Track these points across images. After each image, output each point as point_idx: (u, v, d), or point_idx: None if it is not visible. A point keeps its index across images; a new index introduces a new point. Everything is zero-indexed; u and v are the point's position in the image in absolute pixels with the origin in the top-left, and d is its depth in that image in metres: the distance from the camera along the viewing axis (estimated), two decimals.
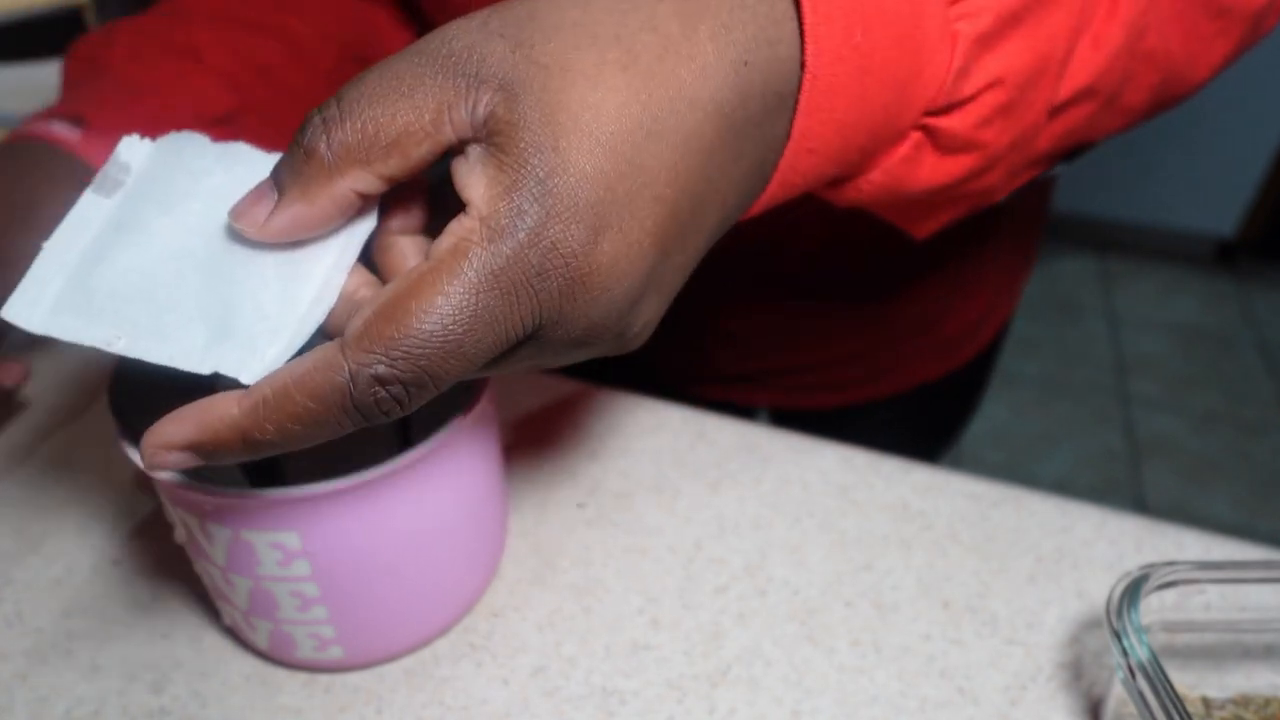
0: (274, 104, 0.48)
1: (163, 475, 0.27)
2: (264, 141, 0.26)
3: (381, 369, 0.20)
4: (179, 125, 0.34)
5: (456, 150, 0.21)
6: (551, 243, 0.20)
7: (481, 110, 0.20)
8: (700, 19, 0.22)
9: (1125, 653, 0.27)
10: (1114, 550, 0.38)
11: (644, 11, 0.22)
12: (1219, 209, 2.24)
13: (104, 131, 0.40)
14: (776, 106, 0.24)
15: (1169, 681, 0.26)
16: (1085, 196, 2.34)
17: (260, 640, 0.33)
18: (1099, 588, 0.37)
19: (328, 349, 0.21)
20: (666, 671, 0.34)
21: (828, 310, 0.55)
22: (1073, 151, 0.35)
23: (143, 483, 0.42)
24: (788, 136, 0.25)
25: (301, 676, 0.34)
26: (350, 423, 0.21)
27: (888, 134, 0.27)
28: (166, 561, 0.38)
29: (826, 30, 0.23)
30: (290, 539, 0.28)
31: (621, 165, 0.21)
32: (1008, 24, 0.27)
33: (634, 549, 0.38)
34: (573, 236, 0.20)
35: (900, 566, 0.38)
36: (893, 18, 0.24)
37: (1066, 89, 0.30)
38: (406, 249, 0.25)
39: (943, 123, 0.28)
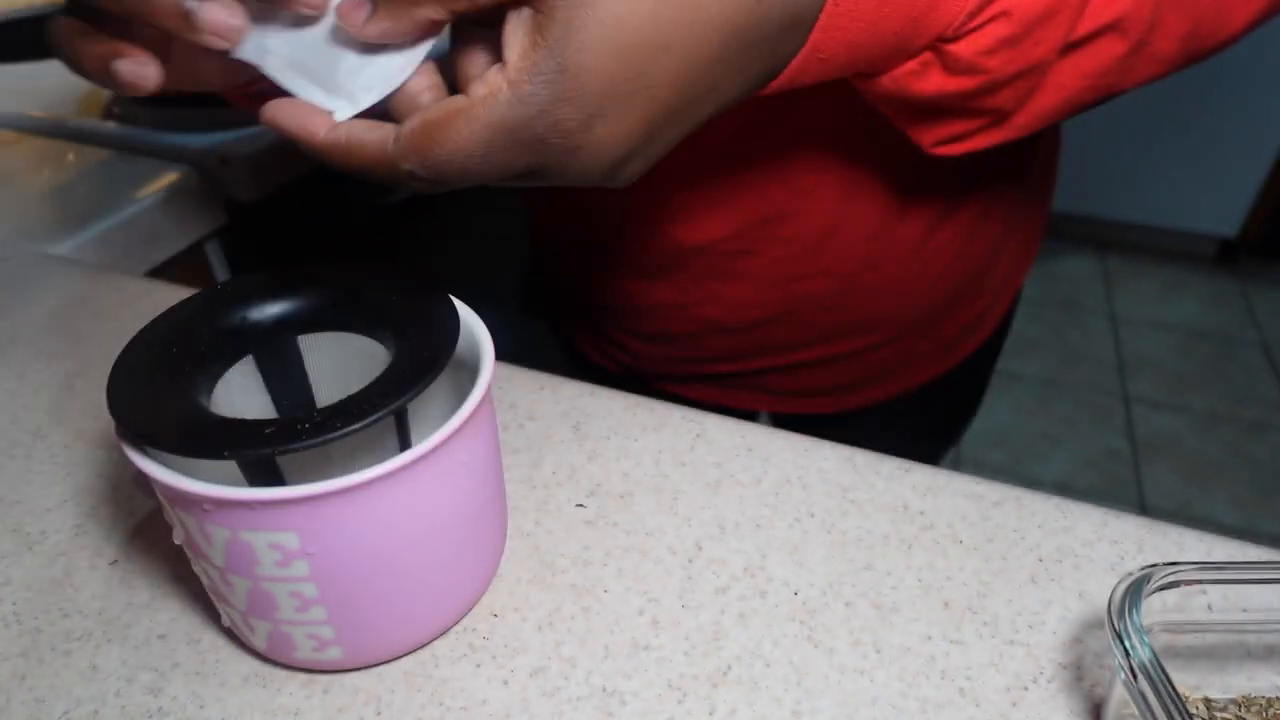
0: None
1: (158, 474, 0.27)
2: None
3: (412, 168, 0.26)
4: None
5: (514, 4, 0.25)
6: (555, 119, 0.25)
7: None
8: (738, 30, 0.26)
9: (1127, 653, 0.27)
10: (1115, 551, 0.38)
11: None
12: (1221, 208, 2.24)
13: None
14: (791, 26, 0.27)
15: (1171, 682, 0.26)
16: (1085, 196, 2.34)
17: (259, 641, 0.33)
18: (1100, 588, 0.37)
19: (387, 131, 0.27)
20: (666, 672, 0.34)
21: (828, 305, 0.55)
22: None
23: (141, 483, 0.42)
24: (800, 48, 0.28)
25: (300, 677, 0.34)
26: (389, 184, 0.28)
27: (897, 55, 0.31)
28: (165, 562, 0.38)
29: None
30: (289, 539, 0.28)
31: (629, 71, 0.25)
32: None
33: (634, 549, 0.38)
34: (573, 118, 0.25)
35: (901, 567, 0.38)
36: None
37: (1086, 26, 0.31)
38: (476, 58, 0.28)
39: (950, 47, 0.31)
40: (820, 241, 0.51)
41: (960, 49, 0.31)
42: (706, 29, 0.25)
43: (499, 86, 0.25)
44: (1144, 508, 1.65)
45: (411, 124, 0.26)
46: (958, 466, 1.74)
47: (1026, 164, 0.56)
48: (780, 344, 0.58)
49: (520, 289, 0.80)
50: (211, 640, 0.35)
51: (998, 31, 0.30)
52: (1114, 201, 2.32)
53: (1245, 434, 1.81)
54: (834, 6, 0.27)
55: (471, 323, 0.34)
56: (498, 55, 0.26)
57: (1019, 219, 0.59)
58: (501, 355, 0.34)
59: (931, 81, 0.32)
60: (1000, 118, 0.35)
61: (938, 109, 0.34)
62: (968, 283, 0.57)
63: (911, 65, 0.31)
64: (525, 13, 0.25)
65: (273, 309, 0.34)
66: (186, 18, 0.25)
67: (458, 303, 0.33)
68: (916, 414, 0.68)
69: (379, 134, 0.27)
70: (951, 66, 0.31)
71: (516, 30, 0.25)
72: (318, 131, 0.28)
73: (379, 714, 0.32)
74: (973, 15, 0.30)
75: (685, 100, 0.27)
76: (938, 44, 0.31)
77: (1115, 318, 2.15)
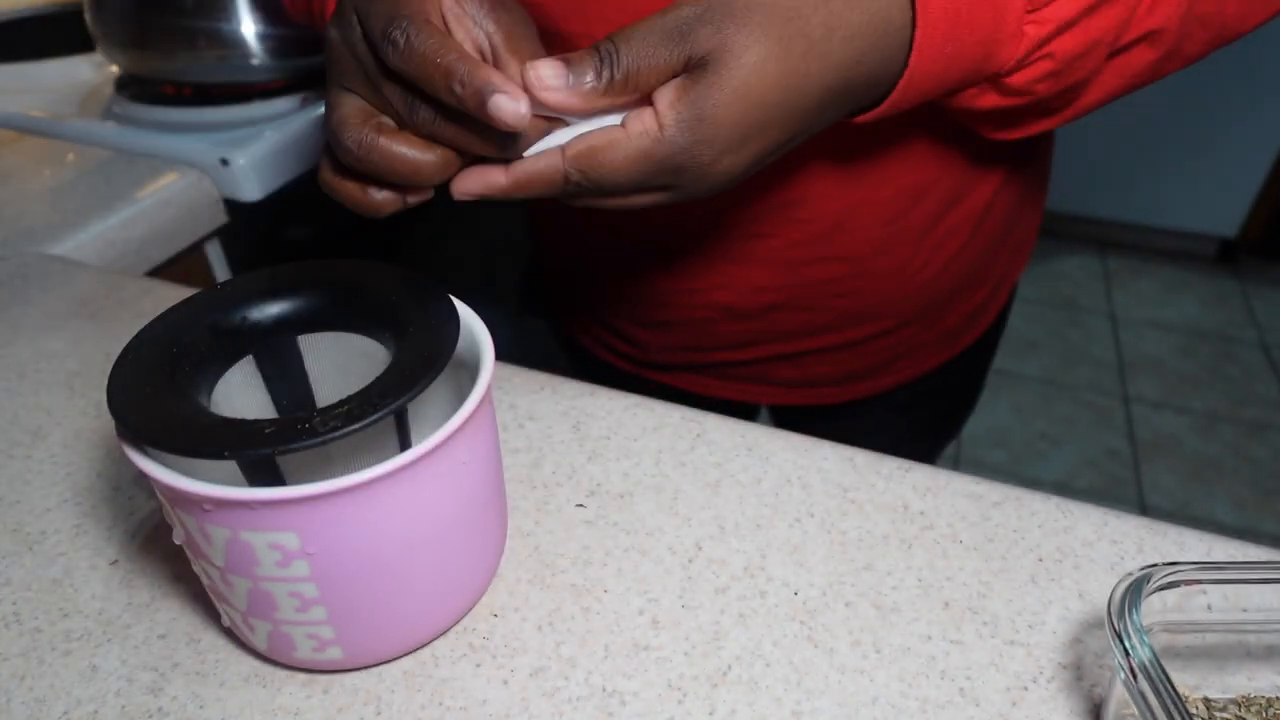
0: None
1: (158, 474, 0.27)
2: None
3: (576, 178, 0.33)
4: None
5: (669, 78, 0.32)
6: (691, 156, 0.32)
7: (685, 66, 0.31)
8: (837, 27, 0.32)
9: (1127, 653, 0.27)
10: (1115, 551, 0.38)
11: (802, 19, 0.32)
12: (1221, 208, 2.23)
13: None
14: (874, 84, 0.35)
15: (1171, 682, 0.26)
16: (1085, 196, 2.34)
17: (259, 641, 0.33)
18: (1100, 588, 0.37)
19: (555, 154, 0.33)
20: (666, 672, 0.34)
21: (838, 291, 0.55)
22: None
23: (142, 483, 0.42)
24: (884, 98, 0.36)
25: (300, 677, 0.34)
26: (561, 195, 0.34)
27: (958, 91, 0.38)
28: (165, 562, 0.38)
29: (929, 44, 0.34)
30: (289, 539, 0.28)
31: (752, 122, 0.32)
32: (1065, 26, 0.36)
33: (634, 549, 0.38)
34: (705, 156, 0.32)
35: (901, 567, 0.38)
36: (979, 25, 0.35)
37: (1124, 39, 0.38)
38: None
39: (1004, 80, 0.38)
40: (835, 224, 0.51)
41: (1011, 80, 0.38)
42: (811, 91, 0.33)
43: (650, 126, 0.32)
44: (1144, 508, 1.65)
45: (578, 146, 0.32)
46: (958, 466, 1.74)
47: (1030, 154, 0.57)
48: (789, 331, 0.58)
49: (520, 288, 0.80)
50: (211, 640, 0.35)
51: (1044, 67, 0.37)
52: (1114, 201, 2.32)
53: (1245, 434, 1.81)
54: (909, 77, 0.35)
55: (471, 323, 0.34)
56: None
57: (1020, 210, 0.60)
58: (501, 355, 0.34)
59: (988, 100, 0.39)
60: (1050, 112, 0.41)
61: (995, 114, 0.41)
62: (971, 271, 0.58)
63: (970, 90, 0.39)
64: (679, 77, 0.32)
65: (273, 309, 0.34)
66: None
67: (458, 303, 0.33)
68: (916, 407, 0.68)
69: (547, 158, 0.33)
70: (1004, 90, 0.38)
71: (668, 86, 0.32)
72: (501, 179, 0.34)
73: (379, 714, 0.32)
74: (1021, 61, 0.36)
75: (790, 135, 0.34)
76: (993, 78, 0.38)
77: (1115, 318, 2.15)
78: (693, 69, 0.31)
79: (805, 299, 0.56)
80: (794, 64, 0.32)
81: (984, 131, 0.44)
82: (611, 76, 0.31)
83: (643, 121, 0.32)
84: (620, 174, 0.32)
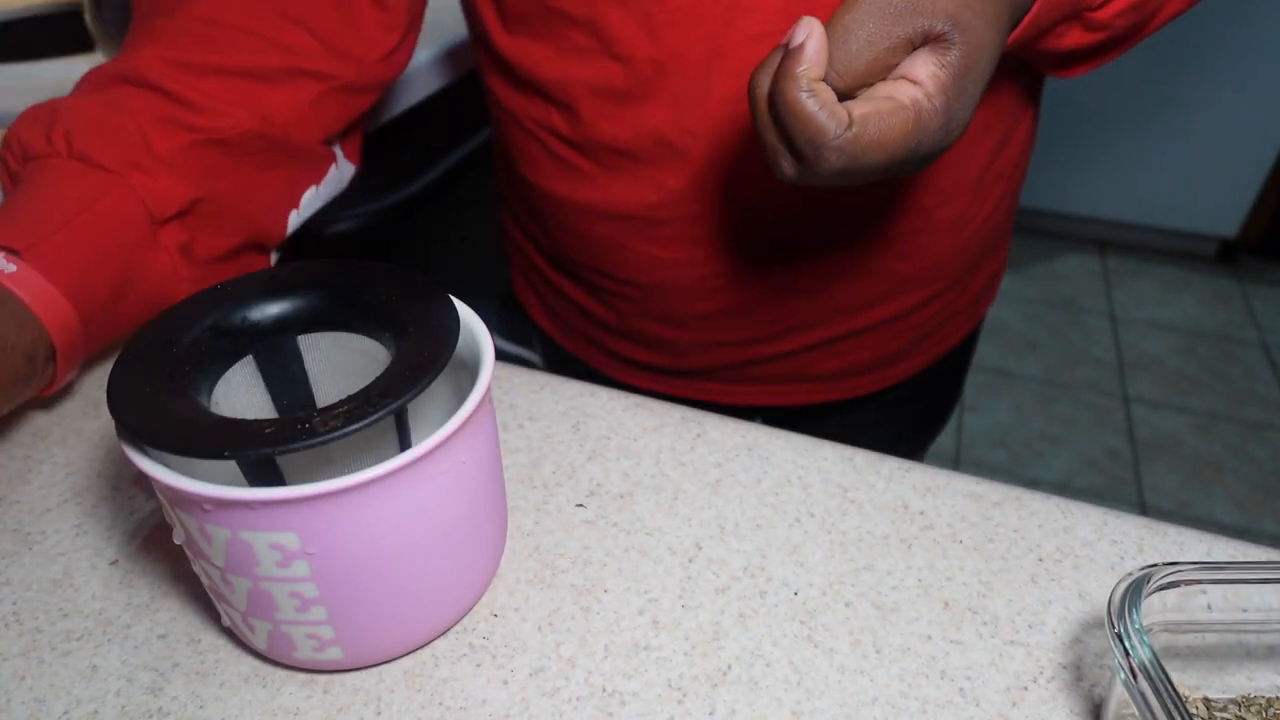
0: (237, 176, 0.47)
1: (158, 474, 0.27)
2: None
3: (849, 138, 0.33)
4: (127, 232, 0.44)
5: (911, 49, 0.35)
6: (954, 117, 0.34)
7: (935, 34, 0.33)
8: (1009, 20, 0.36)
9: (1127, 653, 0.27)
10: (1115, 551, 0.38)
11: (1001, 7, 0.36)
12: (1221, 208, 2.23)
13: (37, 263, 0.40)
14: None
15: (1171, 682, 0.26)
16: (1085, 196, 2.34)
17: (259, 641, 0.33)
18: (1100, 588, 0.37)
19: (844, 111, 0.33)
20: (666, 672, 0.34)
21: (900, 251, 0.55)
22: None
23: (141, 483, 0.42)
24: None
25: (300, 677, 0.34)
26: (811, 149, 0.34)
27: (1050, 29, 0.42)
28: (165, 562, 0.38)
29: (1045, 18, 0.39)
30: (289, 539, 0.28)
31: (987, 76, 0.35)
32: None
33: (634, 549, 0.38)
34: (963, 112, 0.35)
35: (901, 567, 0.38)
36: None
37: None
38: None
39: (1092, 15, 0.42)
40: (853, 218, 0.52)
41: (1098, 15, 0.42)
42: (1005, 20, 0.36)
43: (921, 100, 0.33)
44: (1144, 508, 1.65)
45: (863, 107, 0.33)
46: (958, 466, 1.74)
47: (1037, 109, 0.59)
48: (839, 307, 0.57)
49: (500, 307, 0.77)
50: (211, 640, 0.35)
51: (1128, 2, 0.41)
52: (1114, 201, 2.32)
53: (1245, 434, 1.81)
54: (1034, 17, 0.38)
55: (471, 323, 0.34)
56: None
57: (1022, 181, 0.62)
58: (500, 355, 0.34)
59: (1071, 39, 0.43)
60: (1118, 45, 0.46)
61: (1075, 53, 0.45)
62: (999, 227, 0.60)
63: (1058, 29, 0.42)
64: (923, 50, 0.34)
65: (273, 309, 0.34)
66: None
67: (458, 303, 0.33)
68: (914, 403, 0.69)
69: (835, 108, 0.34)
70: (1088, 25, 0.42)
71: (917, 58, 0.34)
72: (798, 65, 0.34)
73: (379, 714, 0.32)
74: None
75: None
76: (1082, 13, 0.42)
77: (1115, 318, 2.15)
78: (946, 39, 0.33)
79: (866, 261, 0.55)
80: (998, 32, 0.35)
81: (1049, 69, 0.48)
82: (849, 81, 0.33)
83: (909, 94, 0.33)
84: (890, 142, 0.33)
